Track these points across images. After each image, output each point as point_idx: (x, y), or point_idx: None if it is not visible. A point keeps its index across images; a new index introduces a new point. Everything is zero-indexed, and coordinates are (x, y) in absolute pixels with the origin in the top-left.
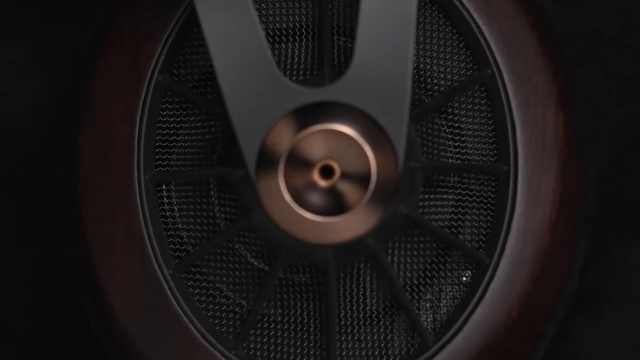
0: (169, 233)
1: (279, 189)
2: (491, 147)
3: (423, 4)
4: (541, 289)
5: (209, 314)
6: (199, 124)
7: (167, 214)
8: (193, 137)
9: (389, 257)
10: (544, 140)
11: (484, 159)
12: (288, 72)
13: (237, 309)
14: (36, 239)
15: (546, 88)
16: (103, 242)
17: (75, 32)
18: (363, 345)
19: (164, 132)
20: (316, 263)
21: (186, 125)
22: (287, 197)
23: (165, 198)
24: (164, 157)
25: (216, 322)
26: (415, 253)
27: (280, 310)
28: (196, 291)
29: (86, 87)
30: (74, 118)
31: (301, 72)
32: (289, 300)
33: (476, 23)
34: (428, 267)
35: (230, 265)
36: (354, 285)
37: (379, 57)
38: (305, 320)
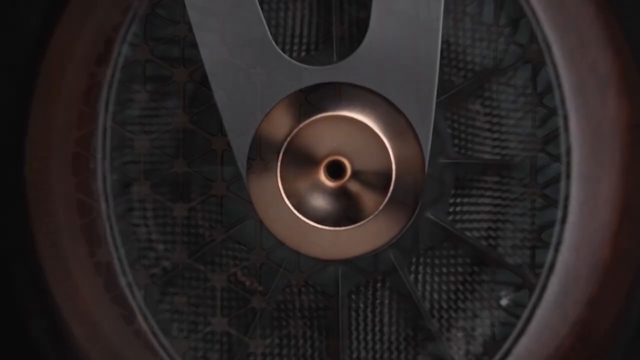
0: (141, 245)
1: (276, 191)
2: (538, 140)
3: None
4: (599, 314)
5: (191, 344)
6: (179, 109)
7: (139, 221)
8: (171, 126)
9: (412, 276)
10: (602, 132)
11: (529, 154)
12: (288, 47)
13: (224, 339)
14: None
15: (606, 67)
16: (59, 258)
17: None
18: None
19: (135, 119)
20: (322, 283)
21: (163, 111)
22: (287, 201)
23: (135, 202)
24: (135, 150)
25: (199, 354)
26: (444, 270)
27: (277, 341)
28: (174, 316)
29: (37, 63)
30: (21, 102)
31: (304, 48)
32: (289, 329)
33: None
34: (460, 287)
35: (216, 285)
36: (369, 310)
37: (400, 29)
38: (309, 353)
